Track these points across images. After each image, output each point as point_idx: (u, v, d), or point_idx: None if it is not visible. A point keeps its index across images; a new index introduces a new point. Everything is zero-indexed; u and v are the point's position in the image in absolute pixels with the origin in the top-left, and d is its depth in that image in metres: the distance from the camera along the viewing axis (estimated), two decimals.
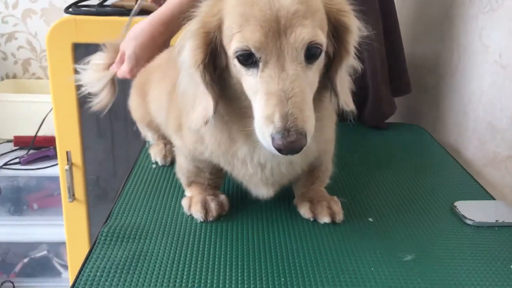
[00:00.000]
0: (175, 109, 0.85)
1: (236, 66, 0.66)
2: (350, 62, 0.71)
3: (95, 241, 0.78)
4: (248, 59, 0.64)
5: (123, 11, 1.79)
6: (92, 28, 1.74)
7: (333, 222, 0.84)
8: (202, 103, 0.71)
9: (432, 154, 1.20)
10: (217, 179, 0.90)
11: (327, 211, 0.84)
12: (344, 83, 0.72)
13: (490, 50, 1.17)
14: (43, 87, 2.65)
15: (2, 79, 2.73)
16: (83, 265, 0.72)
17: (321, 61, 0.67)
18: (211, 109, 0.70)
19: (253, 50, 0.63)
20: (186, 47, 0.69)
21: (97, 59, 1.18)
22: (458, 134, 1.31)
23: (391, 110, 1.35)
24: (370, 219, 0.87)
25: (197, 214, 0.84)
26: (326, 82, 0.72)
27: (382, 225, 0.85)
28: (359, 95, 1.32)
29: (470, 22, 1.28)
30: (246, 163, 0.77)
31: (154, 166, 1.06)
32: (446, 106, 1.39)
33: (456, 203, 0.91)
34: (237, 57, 0.65)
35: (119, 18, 1.75)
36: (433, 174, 1.07)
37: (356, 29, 0.69)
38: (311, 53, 0.64)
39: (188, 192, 0.90)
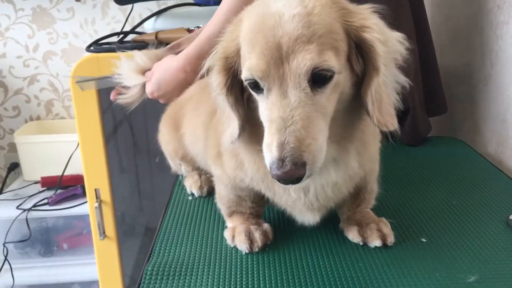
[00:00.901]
0: (214, 137, 0.83)
1: (251, 91, 0.67)
2: (382, 79, 0.67)
3: (140, 280, 0.76)
4: (256, 85, 0.64)
5: (144, 45, 1.80)
6: (113, 64, 1.75)
7: (384, 245, 0.80)
8: (231, 123, 0.72)
9: (475, 166, 1.15)
10: (259, 208, 0.87)
11: (377, 233, 0.81)
12: (380, 101, 0.67)
13: None
14: (67, 127, 2.68)
15: (26, 122, 2.76)
16: None
17: (337, 81, 0.63)
18: (236, 130, 0.71)
19: (256, 79, 0.62)
20: (211, 73, 0.71)
21: (140, 60, 1.17)
22: (498, 143, 1.26)
23: (427, 130, 1.32)
24: (423, 239, 0.83)
25: (242, 245, 0.81)
26: (361, 100, 0.69)
27: (436, 245, 0.81)
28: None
29: (501, 28, 1.24)
30: (287, 188, 0.74)
31: (190, 198, 1.04)
32: (482, 116, 1.35)
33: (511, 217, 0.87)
34: (248, 85, 0.66)
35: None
36: (480, 187, 1.02)
37: (381, 45, 0.65)
38: (320, 77, 0.61)
39: (229, 223, 0.87)
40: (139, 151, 2.42)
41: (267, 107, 0.63)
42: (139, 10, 2.62)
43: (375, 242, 0.80)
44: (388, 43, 0.66)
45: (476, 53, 1.37)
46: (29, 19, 2.63)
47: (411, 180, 1.08)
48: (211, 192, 1.02)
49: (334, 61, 0.61)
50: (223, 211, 0.89)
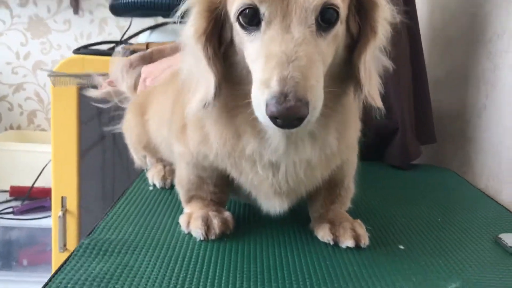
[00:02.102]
0: (179, 111, 0.75)
1: (238, 34, 0.58)
2: (378, 44, 0.61)
3: (72, 253, 0.65)
4: (251, 19, 0.56)
5: (134, 52, 1.76)
6: (100, 67, 1.69)
7: (357, 246, 0.71)
8: (204, 83, 0.62)
9: (464, 193, 1.07)
10: (222, 194, 0.78)
11: (351, 233, 0.71)
12: (370, 72, 0.62)
13: None
14: (47, 139, 2.59)
15: (6, 130, 2.67)
16: (52, 275, 0.59)
17: (337, 32, 0.58)
18: (212, 88, 0.60)
19: (256, 2, 0.54)
20: (189, 17, 0.61)
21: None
22: (490, 177, 1.19)
23: (416, 154, 1.25)
24: (401, 247, 0.73)
25: (197, 231, 0.71)
26: (349, 70, 0.62)
27: (415, 253, 0.71)
28: (384, 133, 1.23)
29: (498, 58, 1.20)
30: (255, 163, 0.66)
31: (151, 188, 0.95)
32: (474, 148, 1.28)
33: (501, 235, 0.78)
34: (239, 20, 0.57)
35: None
36: (468, 209, 0.94)
37: (384, 4, 0.60)
38: (324, 17, 0.55)
39: (187, 209, 0.78)
40: (118, 164, 2.33)
41: (264, 43, 0.54)
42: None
43: (347, 242, 0.71)
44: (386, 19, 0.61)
45: (471, 85, 1.32)
46: (25, 26, 2.60)
47: (396, 199, 0.99)
48: (174, 185, 0.93)
49: (341, 4, 0.56)
50: (182, 195, 0.79)
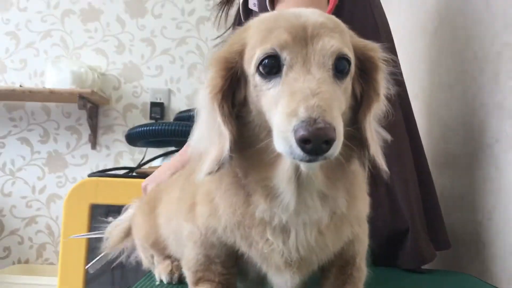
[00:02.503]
0: (189, 190, 0.77)
1: (257, 86, 0.61)
2: (380, 105, 0.65)
3: None
4: (271, 68, 0.60)
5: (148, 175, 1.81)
6: (113, 189, 1.73)
7: None
8: (216, 143, 0.63)
9: None
10: (230, 276, 0.76)
11: None
12: (373, 132, 0.65)
13: None
14: (53, 272, 2.54)
15: (14, 264, 2.64)
16: None
17: (348, 85, 0.62)
18: (227, 145, 0.62)
19: (277, 50, 0.59)
20: (206, 78, 0.65)
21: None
22: (509, 281, 1.14)
23: (431, 255, 1.21)
24: None
25: None
26: (353, 133, 0.66)
27: None
28: (394, 235, 1.20)
29: (499, 157, 1.23)
30: (265, 229, 0.66)
31: (157, 283, 0.92)
32: (490, 253, 1.25)
33: None
34: (259, 70, 0.60)
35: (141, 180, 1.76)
36: None
37: (384, 66, 0.65)
38: (339, 68, 0.60)
39: None
40: None
41: (286, 83, 0.57)
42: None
43: None
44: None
45: (477, 183, 1.33)
46: (43, 161, 2.71)
47: None
48: (182, 281, 0.91)
49: (351, 58, 0.61)
50: (189, 278, 0.77)
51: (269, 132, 0.61)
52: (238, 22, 1.34)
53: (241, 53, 0.64)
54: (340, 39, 0.60)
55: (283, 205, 0.64)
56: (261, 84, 0.61)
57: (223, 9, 1.37)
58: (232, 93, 0.65)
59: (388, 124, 1.19)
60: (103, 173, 1.87)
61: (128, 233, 1.15)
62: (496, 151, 1.25)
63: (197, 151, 0.68)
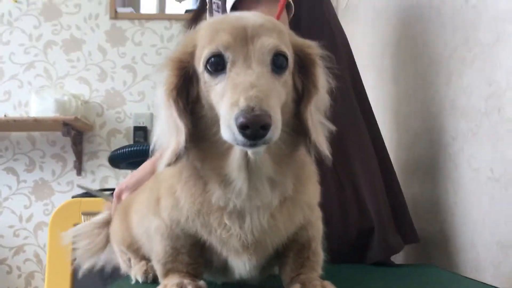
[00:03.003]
0: (155, 186, 0.83)
1: (206, 82, 0.68)
2: (320, 98, 0.72)
3: None
4: (217, 65, 0.66)
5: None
6: (96, 208, 1.78)
7: None
8: (175, 137, 0.70)
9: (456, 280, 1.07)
10: (197, 266, 0.81)
11: None
12: (316, 121, 0.72)
13: (481, 170, 1.17)
14: None
15: None
16: None
17: (287, 79, 0.69)
18: (183, 138, 0.68)
19: (221, 49, 0.66)
20: (162, 77, 0.71)
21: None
22: (473, 269, 1.20)
23: (398, 245, 1.25)
24: None
25: None
26: (299, 124, 0.72)
27: None
28: (363, 236, 1.25)
29: (456, 155, 1.30)
30: (222, 215, 0.71)
31: (133, 283, 0.96)
32: (454, 246, 1.31)
33: None
34: (207, 68, 0.67)
35: None
36: None
37: (321, 61, 0.72)
38: (277, 63, 0.67)
39: (164, 282, 0.80)
40: None
41: (230, 78, 0.64)
42: None
43: None
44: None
45: (439, 184, 1.40)
46: (29, 190, 2.74)
47: None
48: (156, 280, 0.95)
49: (289, 54, 0.68)
50: (159, 270, 0.82)
51: (220, 125, 0.67)
52: None
53: (192, 54, 0.71)
54: (278, 37, 0.67)
55: (236, 191, 0.70)
56: (209, 80, 0.68)
57: (192, 28, 1.45)
58: (186, 90, 0.71)
59: (353, 128, 1.26)
60: (86, 194, 1.91)
61: (98, 247, 1.20)
62: (454, 149, 1.32)
63: (159, 146, 0.74)
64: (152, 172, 1.12)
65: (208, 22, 0.73)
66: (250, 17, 0.69)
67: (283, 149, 0.70)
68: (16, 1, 2.90)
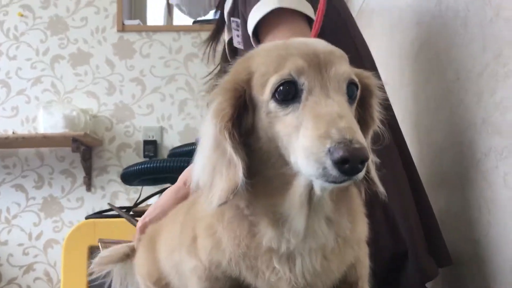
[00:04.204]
0: (190, 224, 0.78)
1: (270, 113, 0.62)
2: (376, 129, 0.69)
3: None
4: (287, 94, 0.60)
5: (140, 214, 1.82)
6: (111, 230, 1.73)
7: None
8: (224, 173, 0.63)
9: None
10: None
11: None
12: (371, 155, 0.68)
13: None
14: None
15: None
16: None
17: (355, 106, 0.65)
18: (241, 174, 0.61)
19: (294, 75, 0.60)
20: (212, 106, 0.65)
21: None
22: None
23: (434, 272, 1.21)
24: None
25: None
26: None
27: None
28: (396, 260, 1.21)
29: (489, 172, 1.25)
30: (271, 258, 0.67)
31: None
32: (490, 270, 1.26)
33: None
34: (275, 96, 0.61)
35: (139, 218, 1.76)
36: None
37: (379, 92, 0.69)
38: (350, 93, 0.62)
39: None
40: None
41: (308, 107, 0.59)
42: None
43: None
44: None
45: (470, 200, 1.35)
46: (38, 207, 2.70)
47: None
48: None
49: (357, 82, 0.64)
50: None
51: (278, 158, 0.63)
52: (225, 59, 1.37)
53: (248, 82, 0.65)
54: (349, 66, 0.64)
55: (293, 231, 0.65)
56: (277, 110, 0.62)
57: (210, 45, 1.41)
58: (239, 121, 0.65)
59: (383, 148, 1.22)
60: (99, 214, 1.87)
61: (119, 258, 1.16)
62: (486, 167, 1.27)
63: (201, 182, 0.68)
64: (176, 202, 1.08)
65: (268, 47, 0.67)
66: (317, 43, 0.64)
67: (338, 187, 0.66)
68: (22, 15, 2.87)
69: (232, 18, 1.15)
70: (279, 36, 1.03)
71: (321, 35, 1.15)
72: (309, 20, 1.09)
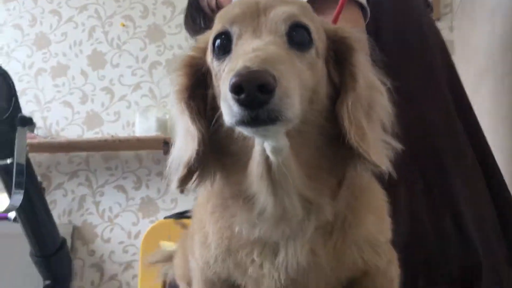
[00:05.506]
0: (194, 225, 0.72)
1: (216, 74, 0.56)
2: (360, 92, 0.56)
3: None
4: (225, 47, 0.55)
5: None
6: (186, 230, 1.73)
7: None
8: (185, 147, 0.58)
9: None
10: None
11: None
12: (359, 124, 0.55)
13: None
14: None
15: None
16: None
17: (314, 60, 0.55)
18: (195, 145, 0.56)
19: (228, 26, 0.55)
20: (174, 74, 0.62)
21: None
22: None
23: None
24: None
25: None
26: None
27: None
28: (468, 274, 1.03)
29: None
30: (253, 250, 0.58)
31: None
32: None
33: None
34: (214, 53, 0.56)
35: None
36: None
37: (361, 49, 0.57)
38: (297, 38, 0.54)
39: None
40: None
41: (234, 52, 0.53)
42: None
43: None
44: (370, 85, 0.57)
45: None
46: (137, 207, 2.82)
47: None
48: None
49: (313, 29, 0.55)
50: None
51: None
52: None
53: (204, 50, 0.60)
54: (298, 9, 0.55)
55: (260, 210, 0.56)
56: (218, 68, 0.56)
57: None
58: (202, 94, 0.60)
59: (450, 140, 1.04)
60: (178, 215, 1.88)
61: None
62: None
63: (176, 163, 0.62)
64: None
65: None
66: None
67: (318, 160, 0.55)
68: (124, 25, 3.03)
69: None
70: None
71: (378, 12, 1.02)
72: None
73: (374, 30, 0.99)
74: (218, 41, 0.56)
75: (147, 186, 2.84)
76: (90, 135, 2.93)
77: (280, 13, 0.53)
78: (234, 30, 0.55)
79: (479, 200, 1.03)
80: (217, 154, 0.60)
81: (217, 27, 0.57)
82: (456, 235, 0.99)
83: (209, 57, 0.58)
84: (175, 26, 3.00)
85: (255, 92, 0.44)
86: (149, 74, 2.99)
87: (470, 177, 1.04)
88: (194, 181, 0.60)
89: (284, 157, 0.53)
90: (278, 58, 0.49)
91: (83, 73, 3.03)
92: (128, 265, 2.77)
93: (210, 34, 0.59)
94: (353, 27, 0.91)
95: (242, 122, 0.47)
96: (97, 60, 3.03)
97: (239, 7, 0.56)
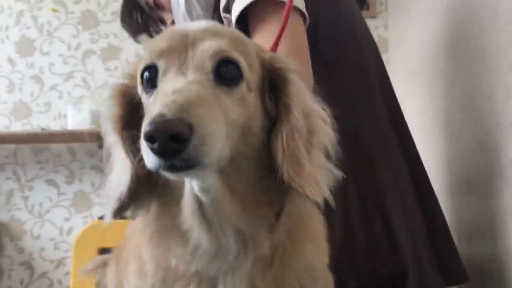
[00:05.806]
0: (125, 242, 0.70)
1: (146, 106, 0.55)
2: (295, 124, 0.56)
3: None
4: (152, 81, 0.54)
5: None
6: (122, 231, 1.68)
7: None
8: (118, 179, 0.57)
9: None
10: None
11: None
12: (296, 158, 0.55)
13: None
14: None
15: None
16: None
17: (244, 95, 0.54)
18: (127, 179, 0.55)
19: (155, 59, 0.53)
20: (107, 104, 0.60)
21: None
22: None
23: (438, 282, 1.05)
24: None
25: None
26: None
27: None
28: (397, 280, 1.07)
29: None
30: (188, 283, 0.58)
31: None
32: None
33: None
34: (143, 85, 0.55)
35: None
36: None
37: (299, 82, 0.57)
38: (225, 74, 0.53)
39: None
40: None
41: (159, 89, 0.52)
42: None
43: None
44: (309, 113, 0.57)
45: (495, 210, 1.19)
46: (69, 202, 2.72)
47: None
48: None
49: (244, 63, 0.54)
50: None
51: None
52: None
53: (136, 78, 0.59)
54: (229, 43, 0.53)
55: (194, 246, 0.55)
56: (147, 101, 0.55)
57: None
58: (139, 121, 0.57)
59: (382, 149, 1.07)
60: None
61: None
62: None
63: (112, 193, 0.60)
64: None
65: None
66: (196, 24, 0.55)
67: (254, 194, 0.55)
68: (54, 10, 2.88)
69: (223, 14, 1.05)
70: (268, 29, 0.92)
71: (315, 24, 1.03)
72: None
73: (312, 34, 0.98)
74: (146, 74, 0.55)
75: (80, 180, 2.74)
76: (18, 126, 2.78)
77: (207, 49, 0.52)
78: (161, 65, 0.53)
79: (409, 208, 1.06)
80: (153, 182, 0.58)
81: (145, 58, 0.55)
82: (386, 241, 1.02)
83: (139, 88, 0.57)
84: (110, 13, 2.89)
85: (168, 142, 0.44)
86: (82, 63, 2.86)
87: (401, 186, 1.07)
88: (129, 210, 0.58)
89: (214, 194, 0.53)
90: (198, 101, 0.47)
91: (10, 60, 2.85)
92: (60, 263, 2.68)
93: (139, 65, 0.58)
94: (297, 40, 0.91)
95: (160, 168, 0.46)
96: (25, 47, 2.87)
97: (168, 40, 0.54)
